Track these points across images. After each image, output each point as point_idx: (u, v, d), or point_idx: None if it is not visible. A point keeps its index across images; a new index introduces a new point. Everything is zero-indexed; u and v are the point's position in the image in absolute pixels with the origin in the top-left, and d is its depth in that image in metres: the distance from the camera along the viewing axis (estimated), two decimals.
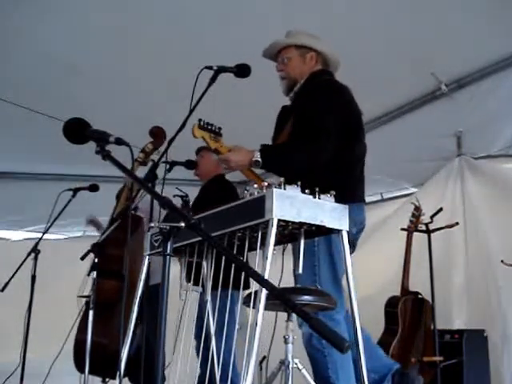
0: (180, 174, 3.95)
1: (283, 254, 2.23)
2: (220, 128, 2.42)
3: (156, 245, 2.45)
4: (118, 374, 2.74)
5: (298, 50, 2.62)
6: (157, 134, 3.25)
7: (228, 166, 2.38)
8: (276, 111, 2.68)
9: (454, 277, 4.32)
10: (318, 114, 2.36)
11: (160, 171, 2.60)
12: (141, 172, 2.92)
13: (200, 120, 2.34)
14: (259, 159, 2.30)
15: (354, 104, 2.52)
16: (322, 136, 2.31)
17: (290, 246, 2.28)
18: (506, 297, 4.02)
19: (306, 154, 2.31)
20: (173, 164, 3.26)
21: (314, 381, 2.08)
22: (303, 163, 2.32)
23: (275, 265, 1.98)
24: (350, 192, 2.41)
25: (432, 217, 3.95)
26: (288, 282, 2.22)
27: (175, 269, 2.61)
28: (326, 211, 1.95)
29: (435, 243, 3.95)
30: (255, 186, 1.90)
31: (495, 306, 4.04)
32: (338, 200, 2.01)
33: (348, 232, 2.31)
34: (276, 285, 2.14)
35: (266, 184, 1.86)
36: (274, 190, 1.81)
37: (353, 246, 2.48)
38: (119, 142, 1.59)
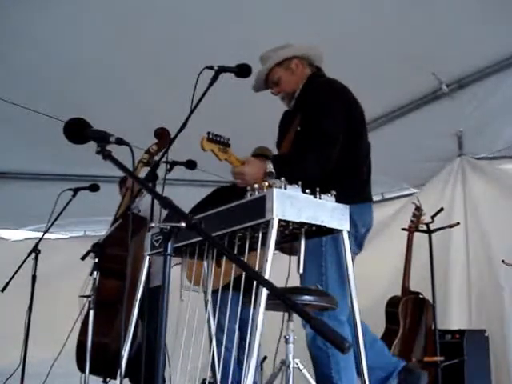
0: (180, 174, 3.95)
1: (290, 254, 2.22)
2: (228, 139, 2.34)
3: (157, 245, 2.45)
4: (118, 373, 2.74)
5: (281, 66, 2.61)
6: (162, 135, 3.24)
7: (243, 179, 2.31)
8: (276, 111, 2.67)
9: (455, 277, 4.33)
10: (320, 116, 2.37)
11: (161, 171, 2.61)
12: (144, 172, 2.92)
13: (209, 133, 2.26)
14: (272, 170, 2.29)
15: (355, 101, 2.51)
16: (328, 141, 2.32)
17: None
18: (507, 297, 4.02)
19: (316, 161, 2.31)
20: (173, 164, 3.26)
21: (315, 381, 2.08)
22: (314, 170, 2.31)
23: (281, 265, 1.99)
24: (358, 192, 2.43)
25: (433, 217, 3.95)
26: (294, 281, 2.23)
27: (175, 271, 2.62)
28: (327, 211, 1.94)
29: (434, 243, 3.95)
30: (256, 186, 1.89)
31: (496, 305, 4.04)
32: (347, 200, 2.00)
33: (357, 232, 2.31)
34: (283, 285, 2.15)
35: (266, 184, 1.86)
36: (275, 190, 1.81)
37: (360, 246, 2.48)
38: (120, 141, 1.59)
